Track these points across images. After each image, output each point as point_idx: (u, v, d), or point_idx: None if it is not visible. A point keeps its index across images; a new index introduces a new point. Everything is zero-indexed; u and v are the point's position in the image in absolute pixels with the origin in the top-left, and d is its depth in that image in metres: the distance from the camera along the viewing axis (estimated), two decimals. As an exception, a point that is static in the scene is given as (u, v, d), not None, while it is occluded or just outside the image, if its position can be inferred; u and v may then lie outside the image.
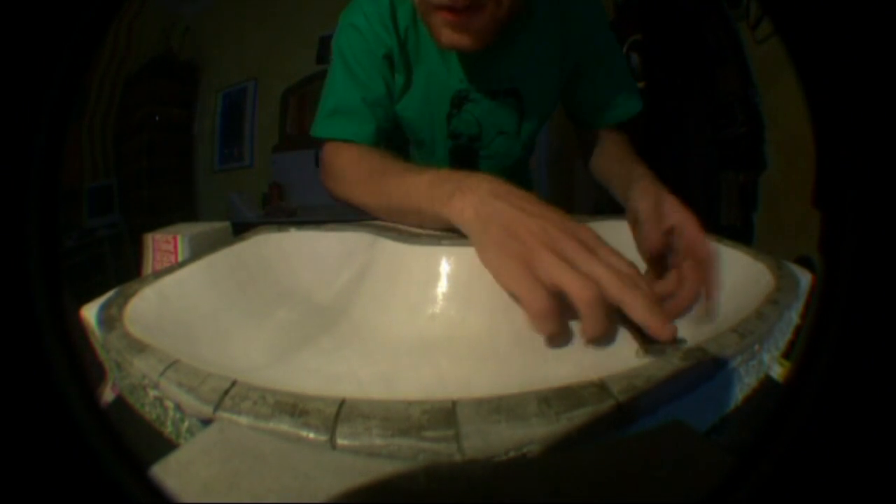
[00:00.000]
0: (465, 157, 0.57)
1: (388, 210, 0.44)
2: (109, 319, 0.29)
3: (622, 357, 0.28)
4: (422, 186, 0.38)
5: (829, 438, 0.12)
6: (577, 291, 0.27)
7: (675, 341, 0.27)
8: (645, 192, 0.43)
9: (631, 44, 2.14)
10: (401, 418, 0.19)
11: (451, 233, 0.38)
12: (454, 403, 0.20)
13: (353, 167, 0.49)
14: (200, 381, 0.22)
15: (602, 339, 0.28)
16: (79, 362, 0.13)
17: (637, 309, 0.27)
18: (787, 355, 0.29)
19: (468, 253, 0.37)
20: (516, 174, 0.64)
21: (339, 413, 0.20)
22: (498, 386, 0.24)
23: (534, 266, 0.28)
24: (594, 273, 0.27)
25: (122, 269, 1.91)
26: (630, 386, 0.21)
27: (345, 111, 0.52)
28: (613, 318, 0.28)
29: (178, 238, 0.50)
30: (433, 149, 0.58)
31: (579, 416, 0.20)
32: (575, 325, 0.29)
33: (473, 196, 0.33)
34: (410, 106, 0.54)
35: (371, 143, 0.52)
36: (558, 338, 0.29)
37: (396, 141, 0.59)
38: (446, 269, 0.36)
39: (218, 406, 0.21)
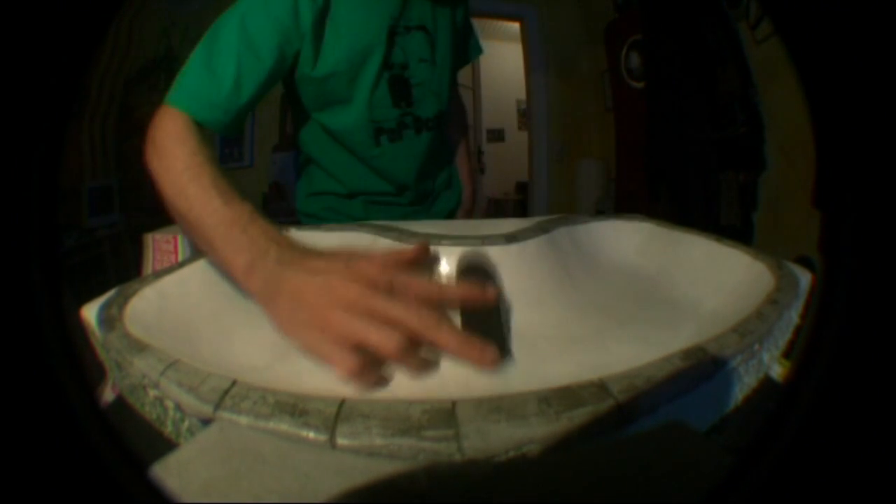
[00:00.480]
0: (401, 84, 0.59)
1: (182, 221, 0.40)
2: (109, 319, 0.29)
3: (623, 357, 0.28)
4: (220, 224, 0.35)
5: (829, 438, 0.12)
6: (379, 344, 0.25)
7: (498, 361, 0.26)
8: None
9: (631, 44, 2.15)
10: (401, 418, 0.19)
11: (450, 232, 0.38)
12: (454, 403, 0.20)
13: (177, 148, 0.43)
14: (200, 381, 0.22)
15: (428, 372, 0.27)
16: (79, 362, 0.13)
17: (449, 346, 0.26)
18: (787, 355, 0.29)
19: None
20: (437, 137, 0.67)
21: (339, 413, 0.20)
22: (498, 386, 0.24)
23: (329, 330, 0.27)
24: (394, 318, 0.26)
25: (122, 269, 1.91)
26: (630, 386, 0.21)
27: (211, 88, 0.48)
28: (431, 350, 0.27)
29: (178, 238, 0.50)
30: (352, 95, 0.57)
31: (579, 416, 0.20)
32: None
33: (261, 262, 0.32)
34: (333, 57, 0.54)
35: (216, 131, 0.49)
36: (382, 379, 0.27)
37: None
38: (446, 268, 0.36)
39: (218, 406, 0.21)
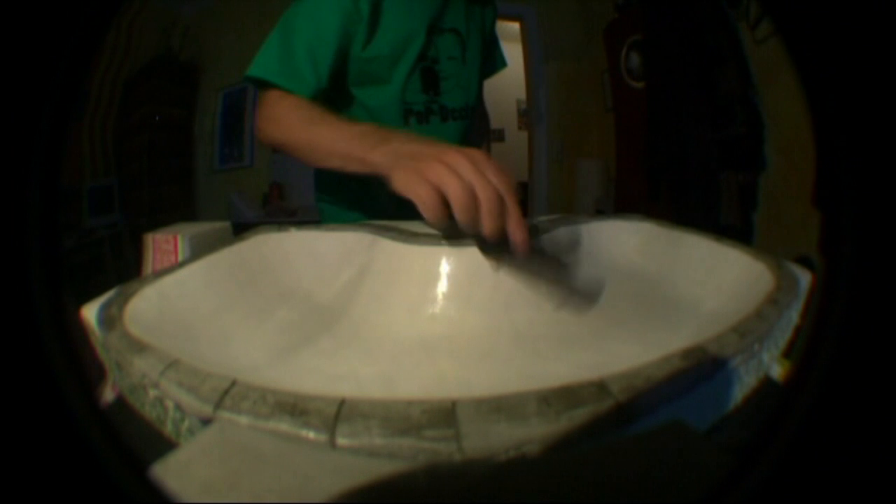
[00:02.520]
0: (431, 75, 0.69)
1: (315, 152, 0.51)
2: (109, 319, 0.29)
3: (622, 357, 0.28)
4: (353, 136, 0.46)
5: (829, 438, 0.12)
6: (453, 192, 0.33)
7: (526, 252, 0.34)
8: None
9: (631, 44, 2.15)
10: (401, 418, 0.19)
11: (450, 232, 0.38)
12: (454, 403, 0.20)
13: (291, 113, 0.55)
14: (200, 381, 0.22)
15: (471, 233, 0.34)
16: (79, 362, 0.13)
17: (514, 214, 0.34)
18: (787, 355, 0.29)
19: (468, 253, 0.37)
20: (464, 129, 0.74)
21: (339, 413, 0.20)
22: (498, 386, 0.24)
23: (426, 174, 0.34)
24: (472, 181, 0.33)
25: (122, 269, 1.91)
26: (630, 386, 0.21)
27: (295, 61, 0.58)
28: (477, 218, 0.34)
29: (178, 238, 0.50)
30: (391, 77, 0.66)
31: (579, 415, 0.20)
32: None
33: (391, 144, 0.41)
34: (381, 42, 0.63)
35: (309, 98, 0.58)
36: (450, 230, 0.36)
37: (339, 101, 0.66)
38: (446, 269, 0.36)
39: (218, 406, 0.21)
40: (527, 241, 0.34)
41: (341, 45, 0.60)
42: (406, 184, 0.35)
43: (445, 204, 0.33)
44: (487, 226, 0.33)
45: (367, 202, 0.70)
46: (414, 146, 0.39)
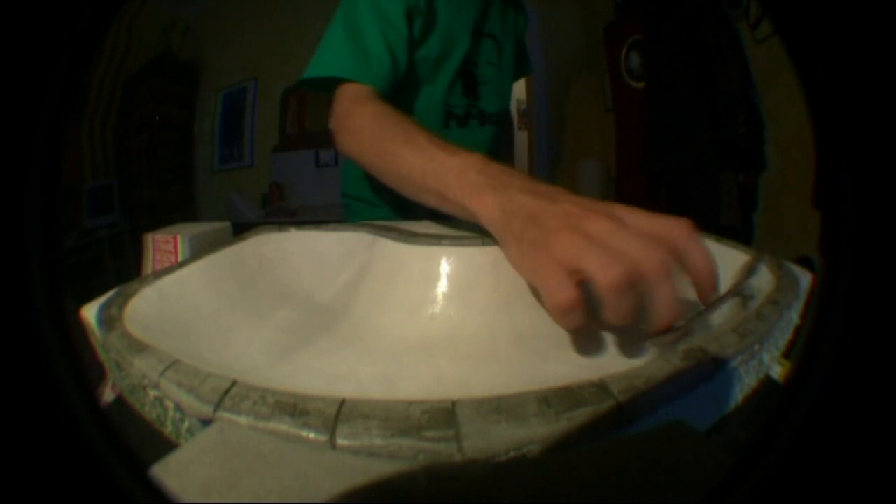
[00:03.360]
0: (471, 79, 0.68)
1: (404, 183, 0.42)
2: (109, 319, 0.29)
3: (622, 357, 0.28)
4: (450, 171, 0.36)
5: (829, 438, 0.12)
6: (598, 272, 0.23)
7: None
8: None
9: (631, 44, 2.15)
10: (401, 418, 0.19)
11: (450, 232, 0.38)
12: (454, 403, 0.20)
13: (372, 124, 0.46)
14: (200, 381, 0.22)
15: (625, 328, 0.25)
16: (79, 362, 0.13)
17: (662, 300, 0.23)
18: (787, 355, 0.29)
19: (468, 253, 0.37)
20: (498, 134, 0.75)
21: (339, 413, 0.20)
22: (498, 386, 0.24)
23: (554, 250, 0.25)
24: (625, 251, 0.24)
25: (122, 269, 1.91)
26: (630, 386, 0.21)
27: (369, 53, 0.52)
28: (639, 306, 0.24)
29: (178, 238, 0.50)
30: (435, 79, 0.65)
31: (579, 416, 0.20)
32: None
33: (503, 194, 0.31)
34: (430, 43, 0.61)
35: (385, 93, 0.53)
36: (587, 335, 0.26)
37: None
38: (446, 269, 0.36)
39: (218, 406, 0.21)
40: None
41: (410, 34, 0.57)
42: (528, 267, 0.28)
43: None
44: (668, 321, 0.24)
45: (408, 208, 0.64)
46: (534, 200, 0.29)
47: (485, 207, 0.32)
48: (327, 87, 0.53)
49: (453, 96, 0.67)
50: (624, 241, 0.24)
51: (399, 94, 0.60)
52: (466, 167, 0.35)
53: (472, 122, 0.69)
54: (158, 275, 0.37)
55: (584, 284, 0.24)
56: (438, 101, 0.66)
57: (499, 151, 0.78)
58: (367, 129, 0.46)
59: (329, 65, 0.53)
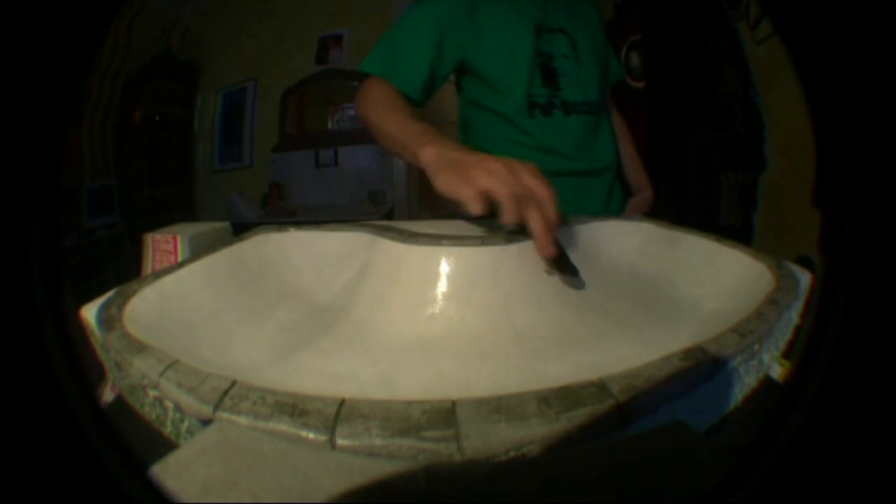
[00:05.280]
0: (549, 71, 0.74)
1: (384, 138, 0.60)
2: (109, 319, 0.29)
3: (622, 357, 0.28)
4: (413, 132, 0.52)
5: (829, 438, 0.12)
6: (498, 190, 0.37)
7: (556, 262, 0.37)
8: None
9: (631, 44, 2.15)
10: (401, 418, 0.19)
11: (450, 232, 0.38)
12: (454, 403, 0.20)
13: (380, 97, 0.63)
14: (200, 381, 0.22)
15: (514, 227, 0.38)
16: (79, 362, 0.13)
17: (533, 222, 0.37)
18: (787, 355, 0.29)
19: (468, 253, 0.37)
20: (590, 124, 0.77)
21: (339, 413, 0.20)
22: (498, 386, 0.24)
23: (471, 179, 0.39)
24: (511, 183, 0.38)
25: (122, 269, 1.91)
26: (630, 386, 0.21)
27: (395, 60, 0.66)
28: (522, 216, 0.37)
29: (178, 238, 0.50)
30: (511, 74, 0.71)
31: (579, 416, 0.20)
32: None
33: (441, 147, 0.45)
34: (494, 49, 0.70)
35: (413, 95, 0.66)
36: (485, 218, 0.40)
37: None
38: (446, 269, 0.36)
39: (218, 406, 0.21)
40: (553, 245, 0.37)
41: (437, 48, 0.67)
42: (451, 187, 0.40)
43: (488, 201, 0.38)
44: (538, 221, 0.37)
45: None
46: (460, 154, 0.43)
47: (427, 154, 0.46)
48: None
49: (534, 87, 0.72)
50: (512, 177, 0.38)
51: (484, 92, 0.73)
52: (422, 130, 0.51)
53: (556, 112, 0.74)
54: (158, 275, 0.37)
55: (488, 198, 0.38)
56: (522, 92, 0.72)
57: (594, 142, 0.79)
58: (375, 98, 0.64)
59: (369, 64, 0.68)
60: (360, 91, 0.67)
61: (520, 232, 0.39)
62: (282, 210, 2.33)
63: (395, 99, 0.62)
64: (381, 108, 0.61)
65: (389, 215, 2.20)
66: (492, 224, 0.43)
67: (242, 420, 0.20)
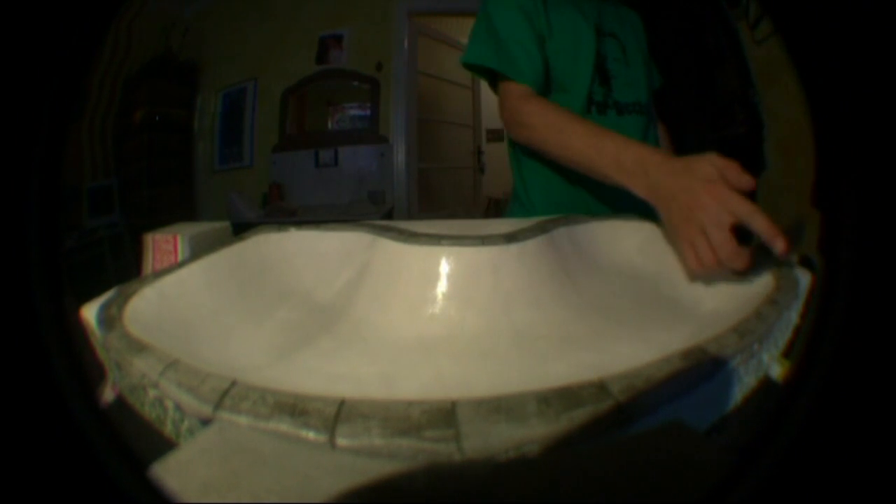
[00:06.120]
0: (603, 72, 0.76)
1: (573, 166, 0.58)
2: (109, 319, 0.29)
3: (622, 357, 0.28)
4: (607, 154, 0.50)
5: (828, 438, 0.12)
6: (757, 220, 0.38)
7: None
8: None
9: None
10: (401, 418, 0.19)
11: (450, 232, 0.38)
12: (454, 403, 0.20)
13: (540, 117, 0.62)
14: (200, 381, 0.22)
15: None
16: (79, 362, 0.13)
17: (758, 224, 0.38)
18: (787, 355, 0.29)
19: (468, 253, 0.37)
20: (640, 125, 0.79)
21: (339, 413, 0.20)
22: (498, 386, 0.24)
23: (690, 240, 0.39)
24: (725, 229, 0.39)
25: (122, 269, 1.91)
26: (630, 386, 0.21)
27: (518, 47, 0.65)
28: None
29: (178, 238, 0.50)
30: (576, 71, 0.73)
31: (579, 416, 0.20)
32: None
33: (645, 179, 0.45)
34: (561, 46, 0.71)
35: (537, 87, 0.66)
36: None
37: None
38: (446, 268, 0.36)
39: (218, 406, 0.21)
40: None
41: (535, 37, 0.67)
42: (682, 232, 0.40)
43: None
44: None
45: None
46: (666, 179, 0.42)
47: (645, 188, 0.45)
48: (482, 73, 0.71)
49: (594, 85, 0.74)
50: (722, 216, 0.39)
51: (552, 80, 0.74)
52: (616, 149, 0.50)
53: (610, 112, 0.76)
54: (158, 275, 0.37)
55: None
56: (584, 90, 0.74)
57: (646, 141, 0.81)
58: (538, 125, 0.62)
59: (473, 54, 0.68)
60: (507, 108, 0.66)
61: (520, 232, 0.38)
62: (282, 210, 2.33)
63: (555, 112, 0.61)
64: (548, 131, 0.60)
65: (389, 215, 2.20)
66: (493, 224, 0.43)
67: (242, 420, 0.20)
